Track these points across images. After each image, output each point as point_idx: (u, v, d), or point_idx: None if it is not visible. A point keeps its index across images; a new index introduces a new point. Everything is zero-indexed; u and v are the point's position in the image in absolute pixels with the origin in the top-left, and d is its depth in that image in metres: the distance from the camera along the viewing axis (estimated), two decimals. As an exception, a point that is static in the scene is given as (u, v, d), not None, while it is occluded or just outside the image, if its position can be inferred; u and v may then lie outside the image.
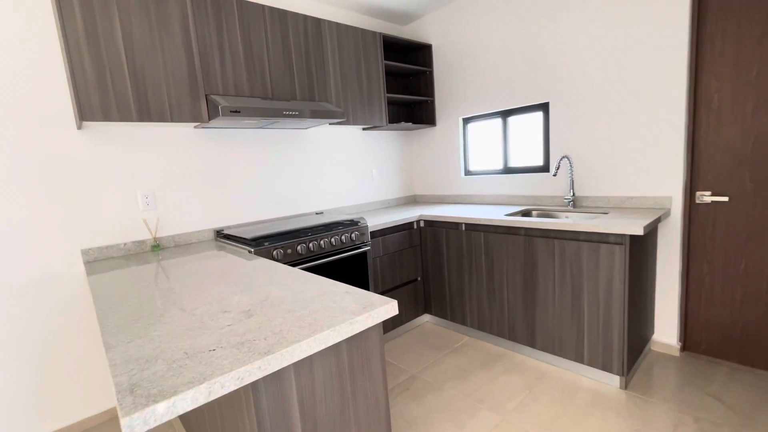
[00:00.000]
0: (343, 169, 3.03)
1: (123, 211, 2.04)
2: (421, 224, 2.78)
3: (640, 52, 2.13)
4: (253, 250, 1.89)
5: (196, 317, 1.03)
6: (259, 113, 2.00)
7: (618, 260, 1.83)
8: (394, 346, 2.58)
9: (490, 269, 2.39)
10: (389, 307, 1.00)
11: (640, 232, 1.72)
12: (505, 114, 2.87)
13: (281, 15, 2.27)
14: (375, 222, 2.52)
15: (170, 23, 1.87)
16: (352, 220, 2.39)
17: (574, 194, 2.47)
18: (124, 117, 1.77)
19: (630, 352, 1.93)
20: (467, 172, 3.20)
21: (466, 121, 3.14)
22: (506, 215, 2.42)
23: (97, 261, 1.94)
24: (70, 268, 1.90)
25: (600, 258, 1.90)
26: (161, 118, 1.87)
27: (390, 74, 3.23)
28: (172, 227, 2.20)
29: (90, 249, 1.94)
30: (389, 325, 2.63)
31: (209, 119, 2.01)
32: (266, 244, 1.94)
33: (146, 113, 1.83)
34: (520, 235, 2.22)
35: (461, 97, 3.08)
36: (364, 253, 2.37)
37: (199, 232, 2.29)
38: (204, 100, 2.00)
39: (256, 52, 2.18)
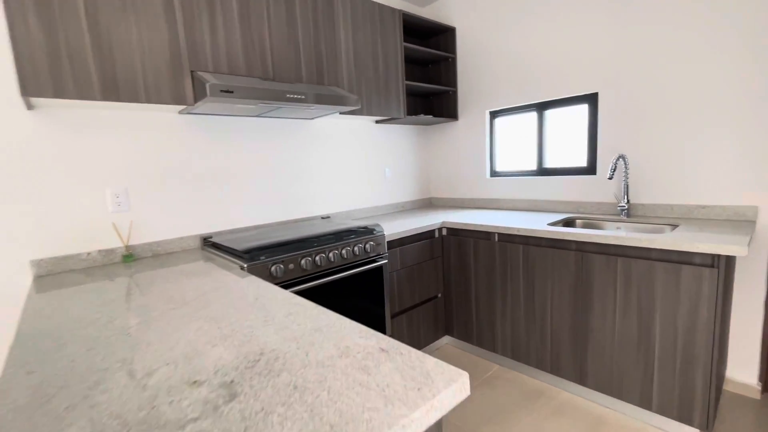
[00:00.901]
0: (353, 167, 2.64)
1: (87, 212, 1.65)
2: (444, 232, 2.40)
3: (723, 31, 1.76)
4: (246, 266, 1.50)
5: (148, 394, 0.64)
6: (257, 95, 1.62)
7: (708, 286, 1.45)
8: (412, 376, 2.20)
9: (530, 288, 2.01)
10: (458, 387, 0.62)
11: (742, 252, 1.34)
12: (542, 107, 2.49)
13: (286, -21, 1.88)
14: (392, 229, 2.13)
15: (146, -22, 1.49)
16: (366, 228, 2.01)
17: (628, 201, 2.09)
18: (83, 94, 1.38)
19: (715, 400, 1.55)
20: (493, 173, 2.82)
21: (494, 115, 2.76)
22: (549, 225, 2.04)
23: (52, 275, 1.55)
24: (10, 284, 1.51)
25: (681, 282, 1.51)
26: (133, 98, 1.48)
27: (408, 60, 2.85)
28: (149, 233, 1.81)
29: (42, 260, 1.55)
30: (406, 350, 2.24)
31: (195, 101, 1.62)
32: (263, 257, 1.56)
33: (113, 91, 1.44)
34: (571, 249, 1.84)
35: (489, 87, 2.69)
36: (380, 267, 1.99)
37: (182, 239, 1.90)
38: (189, 78, 1.61)
39: (255, 23, 1.79)
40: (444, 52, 2.82)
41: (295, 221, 2.34)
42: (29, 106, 1.48)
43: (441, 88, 2.78)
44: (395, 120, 2.62)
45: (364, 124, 2.69)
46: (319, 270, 1.73)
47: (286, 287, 1.61)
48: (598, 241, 1.71)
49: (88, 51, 1.38)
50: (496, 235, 2.12)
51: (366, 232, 1.97)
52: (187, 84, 1.61)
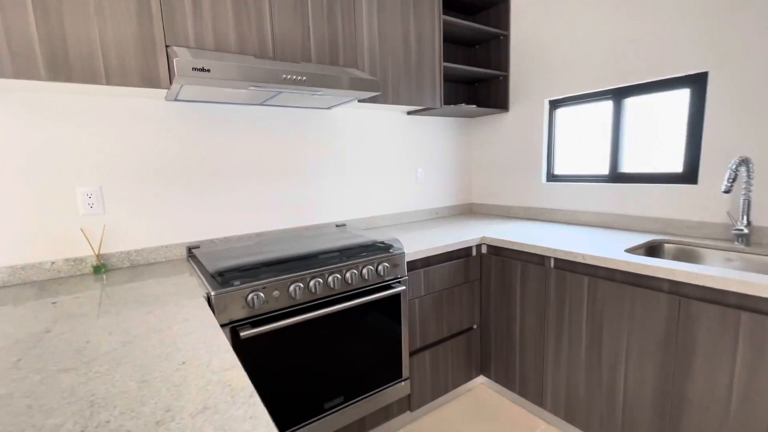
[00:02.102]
0: (378, 166, 2.25)
1: (54, 215, 1.42)
2: (483, 250, 1.94)
3: None
4: (212, 294, 1.17)
5: None
6: (243, 75, 1.28)
7: None
8: (432, 426, 1.78)
9: (595, 334, 1.50)
10: None
11: None
12: (621, 93, 1.92)
13: (292, -67, 1.52)
14: (416, 245, 1.71)
15: (108, -72, 1.19)
16: (381, 244, 1.61)
17: (749, 223, 1.49)
18: (23, 72, 1.11)
19: None
20: (551, 177, 2.28)
21: (555, 104, 2.22)
22: (627, 251, 1.51)
23: (6, 287, 1.34)
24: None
25: None
26: (89, 78, 1.20)
27: (449, 39, 2.38)
28: (128, 240, 1.56)
29: (-3, 269, 1.33)
30: (423, 393, 1.82)
31: (171, 83, 1.32)
32: (237, 282, 1.22)
33: (63, 70, 1.16)
34: (661, 290, 1.31)
35: (550, 70, 2.16)
36: (397, 295, 1.58)
37: (167, 247, 1.63)
38: (164, 55, 1.31)
39: (251, -13, 1.45)
40: (495, 28, 2.31)
41: (305, 228, 1.99)
42: (-18, 90, 1.26)
43: (489, 72, 2.29)
44: (430, 111, 2.18)
45: (393, 115, 2.28)
46: (313, 299, 1.37)
47: (268, 320, 1.27)
48: (708, 284, 1.17)
49: (29, 17, 1.11)
50: (552, 260, 1.63)
51: (380, 249, 1.57)
52: (161, 62, 1.31)
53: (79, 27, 1.17)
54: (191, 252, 1.61)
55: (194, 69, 1.19)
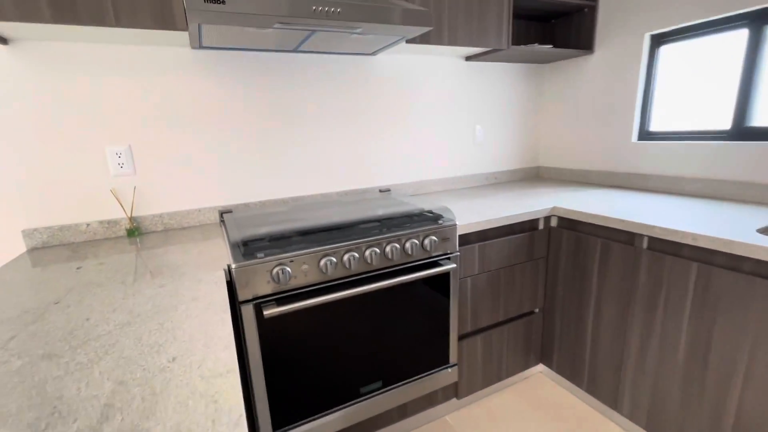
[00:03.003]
0: (430, 122, 1.96)
1: (85, 175, 1.36)
2: (553, 223, 1.62)
3: None
4: (233, 267, 1.03)
5: None
6: (264, 8, 1.05)
7: None
8: (482, 415, 1.59)
9: (702, 335, 1.17)
10: None
11: None
12: (760, 18, 1.42)
13: None
14: (470, 216, 1.46)
15: None
16: (429, 214, 1.38)
17: None
18: (25, 15, 0.99)
19: None
20: (645, 134, 1.84)
21: (659, 40, 1.74)
22: (761, 231, 1.13)
23: (48, 248, 1.32)
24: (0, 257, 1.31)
25: None
26: (97, 20, 1.05)
27: (521, -36, 1.94)
28: (160, 201, 1.48)
29: (36, 230, 1.31)
30: (472, 380, 1.63)
31: (188, 24, 1.14)
32: (260, 254, 1.07)
33: (68, 11, 1.02)
34: (817, 290, 0.94)
35: (656, -7, 1.67)
36: (446, 274, 1.36)
37: (200, 211, 1.54)
38: (178, -11, 1.12)
39: None
40: (582, -57, 1.83)
41: (345, 193, 1.81)
42: (5, 41, 1.17)
43: (571, 3, 1.83)
44: (494, 54, 1.82)
45: (448, 62, 1.94)
46: (348, 275, 1.19)
47: (295, 298, 1.12)
48: None
49: (25, -52, 0.97)
50: (646, 239, 1.29)
51: (427, 219, 1.34)
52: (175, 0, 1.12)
53: (80, -44, 1.01)
54: (222, 217, 1.51)
55: (206, 0, 0.99)
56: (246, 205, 1.61)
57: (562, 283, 1.62)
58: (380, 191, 1.86)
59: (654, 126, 1.81)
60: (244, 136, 1.56)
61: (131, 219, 1.42)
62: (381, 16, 1.20)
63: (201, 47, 1.41)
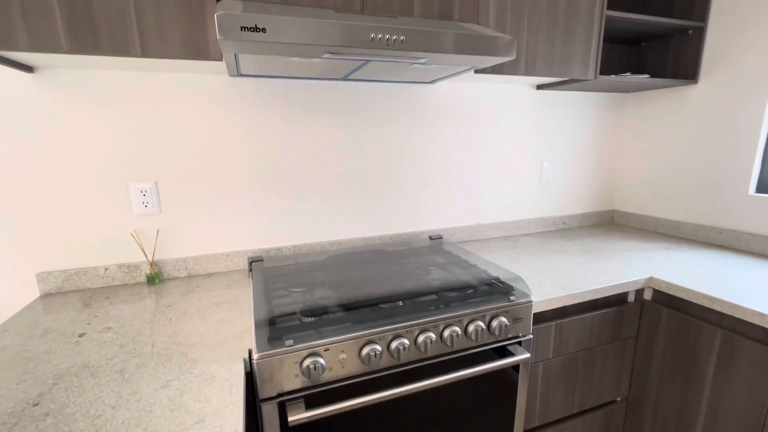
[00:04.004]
0: (490, 158, 1.70)
1: (107, 214, 1.22)
2: (647, 295, 1.30)
3: None
4: (255, 358, 0.82)
5: None
6: (313, 36, 0.86)
7: None
8: None
9: None
10: None
11: None
12: None
13: None
14: (546, 286, 1.18)
15: None
16: (498, 284, 1.11)
17: None
18: (37, 44, 0.85)
19: None
20: (766, 186, 1.48)
21: (793, 71, 1.38)
22: None
23: (61, 294, 1.19)
24: (10, 303, 1.19)
25: None
26: (120, 50, 0.90)
27: (610, -22, 1.65)
28: (185, 244, 1.32)
29: (51, 273, 1.19)
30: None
31: (222, 50, 0.96)
32: (290, 342, 0.85)
33: (88, 39, 0.88)
34: None
35: (794, 13, 1.32)
36: (516, 366, 1.09)
37: (228, 255, 1.37)
38: (214, 14, 0.95)
39: None
40: (690, -47, 1.51)
41: (391, 238, 1.58)
42: (27, 68, 1.06)
43: (672, 24, 1.52)
44: (573, 83, 1.53)
45: (516, 90, 1.68)
46: (395, 365, 0.95)
47: (327, 396, 0.89)
48: None
49: (43, -33, 0.83)
50: (798, 344, 0.95)
51: (496, 292, 1.08)
52: (210, 24, 0.96)
53: (105, -24, 0.86)
54: (251, 266, 1.32)
55: (244, 28, 0.80)
56: (279, 250, 1.42)
57: (658, 370, 1.28)
58: (430, 238, 1.62)
59: (781, 177, 1.44)
60: (281, 172, 1.38)
61: (152, 264, 1.26)
62: (452, 46, 0.97)
63: (239, 75, 1.24)
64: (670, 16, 1.66)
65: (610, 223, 2.01)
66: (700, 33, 1.58)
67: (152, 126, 1.21)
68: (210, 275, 1.34)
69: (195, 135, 1.26)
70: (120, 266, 1.25)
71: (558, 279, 1.24)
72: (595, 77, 1.42)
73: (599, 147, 1.93)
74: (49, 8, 0.84)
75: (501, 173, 1.73)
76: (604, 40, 1.74)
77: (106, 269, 1.24)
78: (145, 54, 0.92)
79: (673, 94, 1.71)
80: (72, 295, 1.18)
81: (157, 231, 1.27)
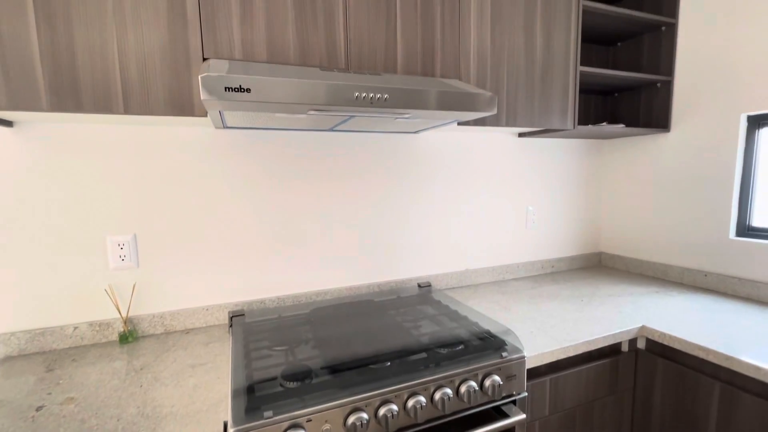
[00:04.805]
0: (475, 203, 1.71)
1: (79, 268, 1.16)
2: (640, 344, 1.28)
3: None
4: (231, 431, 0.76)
5: None
6: (298, 95, 0.87)
7: None
8: None
9: None
10: None
11: None
12: None
13: None
14: (538, 339, 1.14)
15: None
16: (490, 337, 1.08)
17: None
18: (18, 103, 0.84)
19: None
20: (747, 230, 1.51)
21: (757, 121, 1.46)
22: None
23: (24, 356, 1.10)
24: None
25: None
26: (102, 107, 0.90)
27: (583, 34, 1.76)
28: (162, 298, 1.26)
29: (14, 334, 1.10)
30: None
31: (206, 108, 0.97)
32: (269, 413, 0.79)
33: (69, 99, 0.87)
34: None
35: (753, 71, 1.42)
36: (511, 429, 1.03)
37: (208, 309, 1.30)
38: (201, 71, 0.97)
39: (320, -26, 1.05)
40: (654, 14, 1.63)
41: (379, 286, 1.54)
42: (7, 123, 1.04)
43: (642, 78, 1.61)
44: (553, 131, 1.59)
45: (498, 138, 1.73)
46: (383, 433, 0.89)
47: (312, 470, 0.82)
48: None
49: (29, 26, 0.83)
50: (797, 399, 0.92)
51: (487, 348, 1.04)
52: (195, 81, 0.97)
53: (92, 37, 0.87)
54: (232, 322, 1.26)
55: (228, 89, 0.81)
56: (262, 302, 1.37)
57: (659, 426, 1.23)
58: (419, 286, 1.58)
59: (759, 221, 1.48)
60: (265, 222, 1.36)
61: (126, 322, 1.19)
62: (435, 103, 0.99)
63: (225, 127, 1.25)
64: (638, 71, 1.76)
65: (598, 266, 2.02)
66: (668, 85, 1.67)
67: (132, 177, 1.19)
68: (188, 331, 1.27)
69: (177, 186, 1.24)
70: (91, 324, 1.17)
71: (550, 329, 1.21)
72: (574, 127, 1.47)
73: (582, 191, 1.97)
74: (31, 67, 0.84)
75: (487, 218, 1.74)
76: (580, 91, 1.83)
77: (75, 328, 1.16)
78: (128, 111, 0.91)
79: (648, 141, 1.78)
80: (35, 358, 1.10)
81: (134, 285, 1.21)
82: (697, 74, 1.58)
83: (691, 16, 1.59)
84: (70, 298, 1.16)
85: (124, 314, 1.21)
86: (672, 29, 1.64)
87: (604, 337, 1.17)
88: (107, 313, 1.20)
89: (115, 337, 1.20)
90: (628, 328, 1.22)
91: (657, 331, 1.19)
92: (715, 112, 1.53)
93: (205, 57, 0.97)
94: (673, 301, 1.45)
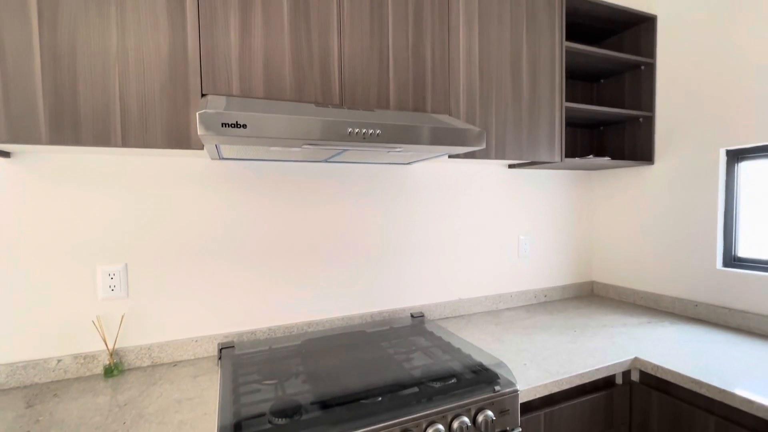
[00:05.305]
0: (468, 233, 1.73)
1: (67, 299, 1.15)
2: (634, 376, 1.27)
3: None
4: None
5: None
6: (292, 131, 0.90)
7: None
8: None
9: None
10: None
11: None
12: None
13: (373, -53, 1.18)
14: (531, 371, 1.13)
15: (144, -46, 0.94)
16: (482, 370, 1.07)
17: None
18: (18, 136, 0.86)
19: None
20: (734, 261, 1.53)
21: (737, 156, 1.52)
22: None
23: (3, 391, 1.07)
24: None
25: None
26: (100, 140, 0.92)
27: (568, 72, 1.85)
28: (151, 330, 1.24)
29: (-5, 368, 1.07)
30: None
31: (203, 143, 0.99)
32: (255, 453, 0.77)
33: (68, 132, 0.89)
34: None
35: (728, 107, 1.49)
36: (505, 467, 1.00)
37: (197, 341, 1.28)
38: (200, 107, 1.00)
39: (317, 16, 1.11)
40: (633, 55, 1.73)
41: (371, 316, 1.53)
42: (5, 154, 1.06)
43: (624, 113, 1.68)
44: (543, 164, 1.63)
45: (489, 169, 1.77)
46: (374, 473, 0.86)
47: None
48: None
49: (34, 63, 0.86)
50: (791, 434, 0.92)
51: (480, 381, 1.02)
52: (193, 117, 1.00)
53: (96, 74, 0.91)
54: (221, 354, 1.23)
55: (225, 125, 0.84)
56: (253, 333, 1.35)
57: (655, 463, 1.20)
58: (412, 316, 1.57)
59: (744, 251, 1.51)
60: (258, 252, 1.36)
61: (112, 354, 1.17)
62: (424, 138, 1.03)
63: (220, 158, 1.27)
64: (621, 107, 1.84)
65: (591, 295, 2.02)
66: (650, 120, 1.74)
67: (126, 206, 1.20)
68: (176, 364, 1.24)
69: (170, 216, 1.25)
70: (75, 357, 1.15)
71: (543, 362, 1.20)
72: (561, 160, 1.51)
73: (572, 220, 2.00)
74: (34, 102, 0.86)
75: (479, 247, 1.75)
76: (567, 124, 1.90)
77: (59, 361, 1.13)
78: (125, 144, 0.93)
79: (635, 173, 1.84)
80: (15, 393, 1.06)
81: (122, 316, 1.19)
82: (677, 110, 1.65)
83: (667, 56, 1.68)
84: (55, 329, 1.14)
85: (110, 346, 1.18)
86: (651, 68, 1.73)
87: (597, 369, 1.17)
88: (93, 344, 1.17)
89: (99, 370, 1.17)
90: (621, 360, 1.21)
91: (650, 363, 1.19)
92: (695, 146, 1.60)
93: (203, 93, 1.00)
94: (666, 331, 1.45)
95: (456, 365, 1.11)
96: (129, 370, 1.20)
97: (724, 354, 1.23)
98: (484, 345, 1.34)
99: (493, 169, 1.77)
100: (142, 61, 0.94)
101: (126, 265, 1.20)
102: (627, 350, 1.28)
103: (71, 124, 0.89)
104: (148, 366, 1.22)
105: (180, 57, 0.97)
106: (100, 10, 0.90)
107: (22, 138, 0.86)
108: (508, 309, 1.79)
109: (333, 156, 1.25)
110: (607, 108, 1.62)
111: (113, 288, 1.19)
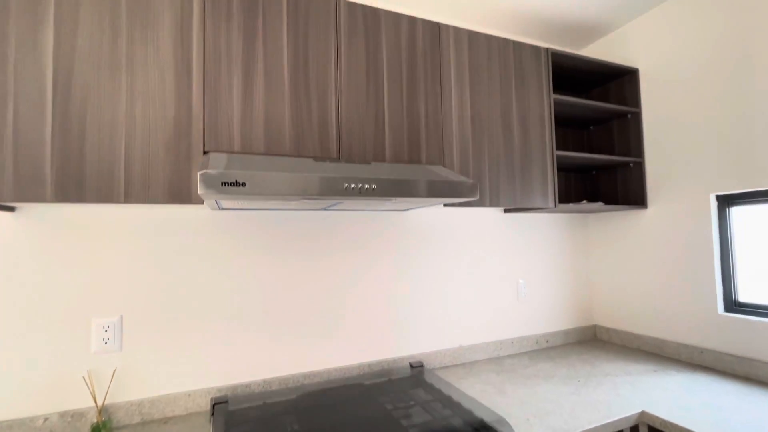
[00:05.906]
0: (465, 279, 1.73)
1: (58, 352, 1.13)
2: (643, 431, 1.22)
3: None
4: None
5: None
6: (290, 188, 0.93)
7: None
8: None
9: None
10: None
11: None
12: None
13: (369, 15, 1.27)
14: (534, 428, 1.09)
15: (156, 26, 1.02)
16: (483, 428, 1.03)
17: None
18: (24, 195, 0.89)
19: None
20: (734, 306, 1.52)
21: (727, 200, 1.55)
22: None
23: (-16, 455, 1.03)
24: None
25: None
26: (104, 197, 0.95)
27: (558, 121, 1.92)
28: (143, 384, 1.21)
29: (-21, 429, 1.04)
30: None
31: (203, 199, 1.02)
32: None
33: (73, 191, 0.93)
34: None
35: (715, 154, 1.54)
36: None
37: (190, 395, 1.25)
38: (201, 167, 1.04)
39: (316, 77, 1.18)
40: (619, 104, 1.81)
41: (369, 366, 1.49)
42: (9, 208, 1.09)
43: (615, 159, 1.73)
44: (538, 210, 1.66)
45: (485, 214, 1.80)
46: None
47: None
48: None
49: (45, 128, 0.91)
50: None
51: (480, 442, 0.99)
52: (194, 173, 1.03)
53: (103, 137, 0.95)
54: (214, 410, 1.20)
55: (225, 184, 0.87)
56: (247, 386, 1.31)
57: None
58: (411, 366, 1.54)
59: (746, 296, 1.49)
60: (252, 301, 1.35)
61: (101, 412, 1.13)
62: (420, 191, 1.06)
63: (220, 209, 1.30)
64: (611, 153, 1.90)
65: (594, 340, 1.98)
66: (640, 166, 1.79)
67: (124, 257, 1.21)
68: (167, 420, 1.20)
69: (167, 265, 1.26)
70: (63, 414, 1.11)
71: (546, 417, 1.16)
72: (555, 206, 1.54)
73: (571, 263, 2.00)
74: (41, 164, 0.90)
75: (478, 293, 1.74)
76: (560, 170, 1.95)
77: (46, 419, 1.10)
78: (128, 201, 0.96)
79: (629, 216, 1.86)
80: (-3, 455, 1.02)
81: (114, 371, 1.17)
82: (665, 156, 1.70)
83: (651, 105, 1.76)
84: (45, 385, 1.11)
85: (99, 403, 1.15)
86: (637, 116, 1.81)
87: (603, 425, 1.12)
88: (82, 401, 1.14)
89: (87, 429, 1.13)
90: (628, 415, 1.17)
91: (658, 419, 1.15)
92: (686, 191, 1.63)
93: (206, 150, 1.05)
94: (672, 381, 1.41)
95: (456, 422, 1.07)
96: (117, 428, 1.16)
97: (734, 407, 1.19)
98: (486, 397, 1.30)
99: (490, 214, 1.80)
100: (148, 125, 0.99)
101: (122, 317, 1.20)
102: (633, 403, 1.23)
103: (75, 183, 0.93)
104: (138, 423, 1.18)
105: (184, 118, 1.03)
106: (113, 78, 0.97)
107: (28, 197, 0.89)
108: (509, 356, 1.75)
109: (330, 206, 1.27)
110: (597, 155, 1.67)
111: (107, 341, 1.17)
